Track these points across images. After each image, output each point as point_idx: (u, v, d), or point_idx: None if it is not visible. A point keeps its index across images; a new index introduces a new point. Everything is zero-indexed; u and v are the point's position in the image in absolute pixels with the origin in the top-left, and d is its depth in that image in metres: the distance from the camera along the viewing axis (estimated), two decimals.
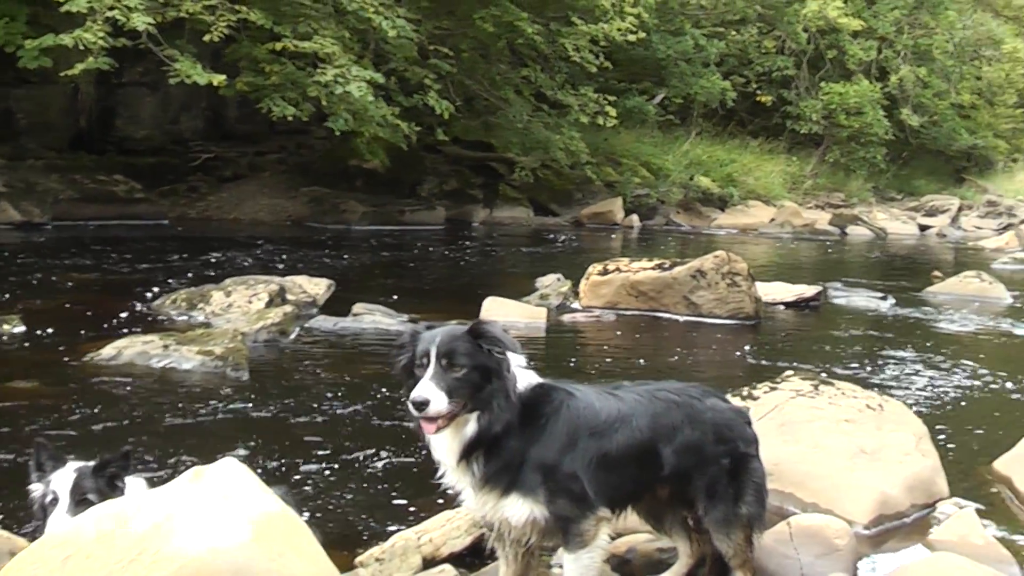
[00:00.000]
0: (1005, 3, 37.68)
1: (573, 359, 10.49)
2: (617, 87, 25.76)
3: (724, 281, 12.31)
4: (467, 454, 4.18)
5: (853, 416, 6.42)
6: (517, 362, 4.27)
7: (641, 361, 10.28)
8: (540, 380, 4.39)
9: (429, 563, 4.98)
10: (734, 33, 30.99)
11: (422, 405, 3.99)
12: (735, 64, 31.52)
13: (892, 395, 8.11)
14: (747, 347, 11.21)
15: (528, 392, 4.28)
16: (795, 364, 9.64)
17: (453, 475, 4.29)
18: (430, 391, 4.00)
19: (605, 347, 11.20)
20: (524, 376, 4.30)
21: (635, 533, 5.16)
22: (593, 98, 22.28)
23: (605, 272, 12.84)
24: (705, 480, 4.56)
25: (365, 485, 6.35)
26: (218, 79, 15.86)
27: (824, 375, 7.22)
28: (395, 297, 12.56)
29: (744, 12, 30.81)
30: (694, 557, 4.85)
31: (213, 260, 14.99)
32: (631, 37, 21.90)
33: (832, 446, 6.14)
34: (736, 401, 6.58)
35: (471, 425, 4.14)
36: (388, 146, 20.21)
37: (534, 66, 22.49)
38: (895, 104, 33.66)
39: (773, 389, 6.76)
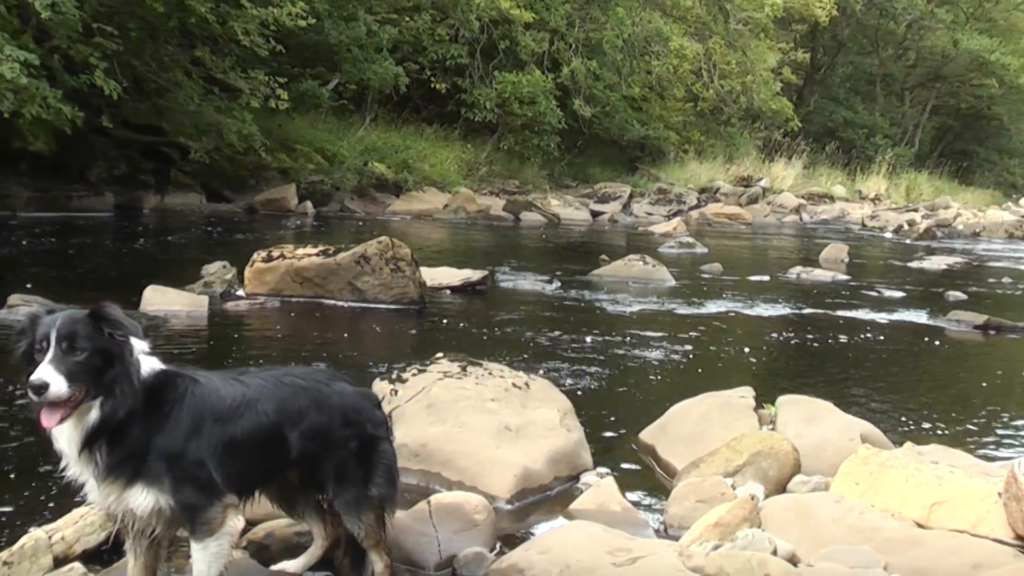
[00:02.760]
0: (673, 3, 39.15)
1: (234, 347, 10.25)
2: (290, 72, 25.33)
3: (388, 266, 12.29)
4: (89, 443, 4.00)
5: (499, 395, 6.54)
6: (141, 348, 4.12)
7: (302, 348, 10.13)
8: (164, 367, 4.26)
9: (61, 562, 4.76)
10: (408, 20, 30.96)
11: (41, 389, 3.80)
12: (409, 51, 31.47)
13: (547, 374, 8.35)
14: (409, 332, 11.27)
15: (152, 379, 4.14)
16: (454, 347, 9.71)
17: (76, 466, 4.09)
18: (49, 374, 3.81)
19: (267, 335, 11.02)
20: (148, 362, 4.16)
21: (277, 519, 5.06)
22: (264, 81, 21.87)
23: (269, 259, 12.58)
24: (334, 463, 4.54)
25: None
26: None
27: (472, 357, 7.26)
28: (56, 287, 11.97)
29: (417, 0, 30.97)
30: (329, 540, 4.82)
31: None
32: (301, 23, 21.63)
33: (477, 425, 6.24)
34: (385, 384, 6.60)
35: (93, 412, 3.97)
36: (54, 128, 19.21)
37: (204, 48, 21.89)
38: (568, 95, 34.52)
39: (422, 371, 6.81)
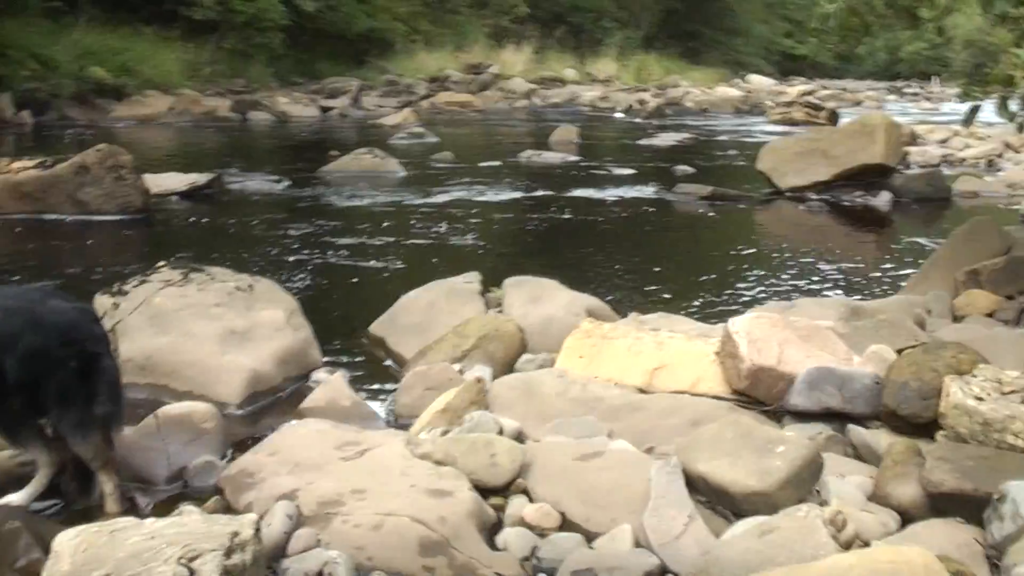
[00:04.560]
0: None
1: None
2: None
3: (110, 175, 11.86)
4: None
5: (223, 300, 6.44)
6: None
7: (22, 268, 9.65)
8: None
9: None
10: None
11: None
12: None
13: (276, 274, 8.26)
14: (135, 242, 11.00)
15: None
16: (181, 254, 9.51)
17: None
18: None
19: None
20: None
21: None
22: None
23: None
24: (55, 385, 4.37)
25: None
26: None
27: (200, 262, 7.11)
28: None
29: None
30: (54, 466, 4.64)
31: None
32: None
33: (202, 332, 6.15)
34: (106, 298, 6.40)
35: None
36: None
37: None
38: None
39: (144, 282, 6.62)
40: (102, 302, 6.41)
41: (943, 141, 22.08)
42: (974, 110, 6.85)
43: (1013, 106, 6.67)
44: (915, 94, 52.93)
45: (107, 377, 4.55)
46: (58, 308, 4.54)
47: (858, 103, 42.03)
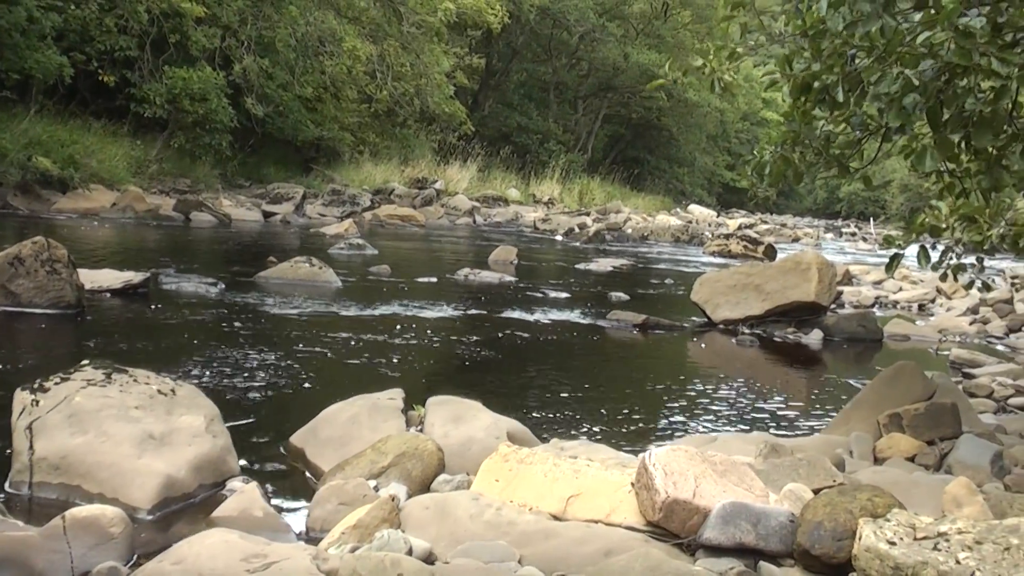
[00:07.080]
0: (347, 4, 39.11)
1: None
2: None
3: (44, 268, 11.79)
4: None
5: (144, 403, 6.39)
6: None
7: None
8: None
9: None
10: (74, 8, 29.76)
11: None
12: (76, 40, 30.21)
13: (200, 379, 8.22)
14: (63, 337, 10.89)
15: None
16: (108, 352, 9.46)
17: None
18: None
19: None
20: None
21: None
22: None
23: None
24: None
25: None
26: None
27: (126, 362, 7.05)
28: None
29: None
30: None
31: None
32: None
33: (119, 434, 6.08)
34: (26, 395, 6.34)
35: None
36: None
37: None
38: (240, 93, 34.05)
39: (65, 380, 6.56)
40: (22, 398, 6.34)
41: (877, 283, 22.52)
42: (895, 258, 6.98)
43: (933, 256, 6.82)
44: (853, 234, 53.92)
45: None
46: None
47: (796, 239, 42.83)
